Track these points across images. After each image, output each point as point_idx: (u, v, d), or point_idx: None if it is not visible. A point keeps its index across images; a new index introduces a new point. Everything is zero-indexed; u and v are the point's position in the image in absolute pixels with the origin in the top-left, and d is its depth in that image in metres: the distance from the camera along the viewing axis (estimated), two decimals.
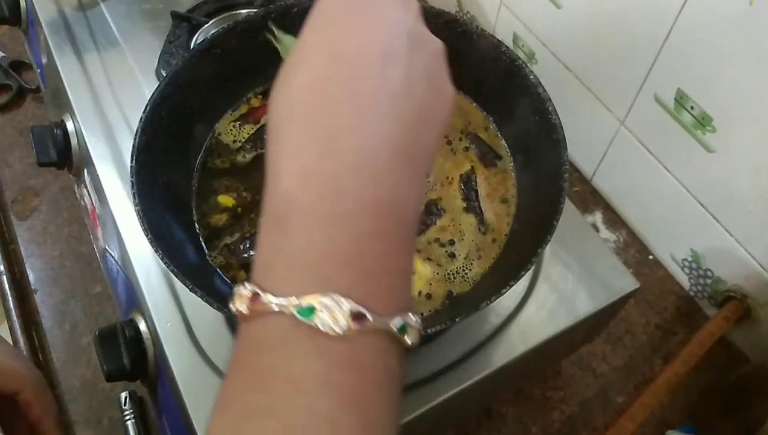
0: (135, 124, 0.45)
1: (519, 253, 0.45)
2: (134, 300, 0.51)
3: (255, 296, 0.24)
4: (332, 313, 0.23)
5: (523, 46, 0.75)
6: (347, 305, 0.24)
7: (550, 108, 0.46)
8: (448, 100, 0.30)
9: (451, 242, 0.48)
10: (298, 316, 0.23)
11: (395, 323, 0.25)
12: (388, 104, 0.27)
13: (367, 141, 0.26)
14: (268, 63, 0.54)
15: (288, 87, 0.28)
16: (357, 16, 0.28)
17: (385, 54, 0.27)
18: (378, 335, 0.24)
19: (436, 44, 0.30)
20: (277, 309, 0.24)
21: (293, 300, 0.24)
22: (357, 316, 0.24)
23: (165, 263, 0.39)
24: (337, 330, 0.23)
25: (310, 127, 0.26)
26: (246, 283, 0.25)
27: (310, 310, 0.23)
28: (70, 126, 0.62)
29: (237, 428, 0.23)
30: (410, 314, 0.26)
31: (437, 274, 0.46)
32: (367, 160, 0.26)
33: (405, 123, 0.27)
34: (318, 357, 0.23)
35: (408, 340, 0.26)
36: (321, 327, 0.23)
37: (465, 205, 0.49)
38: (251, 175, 0.51)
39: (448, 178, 0.50)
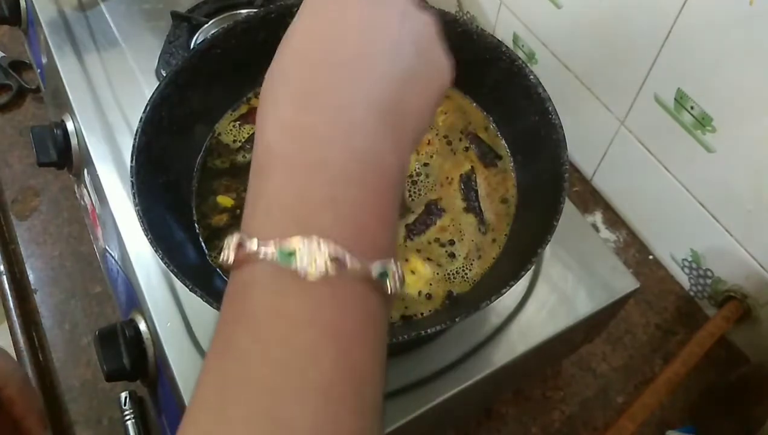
0: (135, 124, 0.45)
1: (519, 253, 0.45)
2: (134, 300, 0.51)
3: (241, 243, 0.25)
4: (312, 255, 0.24)
5: (523, 46, 0.75)
6: (325, 248, 0.24)
7: (550, 108, 0.46)
8: (440, 69, 0.31)
9: (451, 242, 0.48)
10: (279, 260, 0.24)
11: (375, 268, 0.25)
12: (370, 66, 0.28)
13: (344, 96, 0.27)
14: (269, 63, 0.55)
15: (277, 58, 0.29)
16: None
17: (370, 23, 0.29)
18: (358, 279, 0.25)
19: (427, 17, 0.32)
20: (261, 255, 0.24)
21: (275, 244, 0.24)
22: (336, 260, 0.24)
23: (165, 263, 0.39)
24: (316, 273, 0.24)
25: (290, 84, 0.28)
26: (235, 233, 0.26)
27: (291, 254, 0.24)
28: (70, 126, 0.62)
29: (223, 368, 0.25)
30: (392, 261, 0.26)
31: (437, 274, 0.46)
32: (342, 114, 0.27)
33: (386, 86, 0.28)
34: (301, 297, 0.24)
35: (389, 286, 0.26)
36: (300, 270, 0.24)
37: (465, 205, 0.49)
38: None
39: (448, 178, 0.50)
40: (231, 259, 0.26)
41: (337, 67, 0.28)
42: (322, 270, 0.24)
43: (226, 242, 0.26)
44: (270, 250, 0.24)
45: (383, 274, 0.26)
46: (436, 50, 0.32)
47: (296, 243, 0.24)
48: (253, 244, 0.25)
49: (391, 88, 0.28)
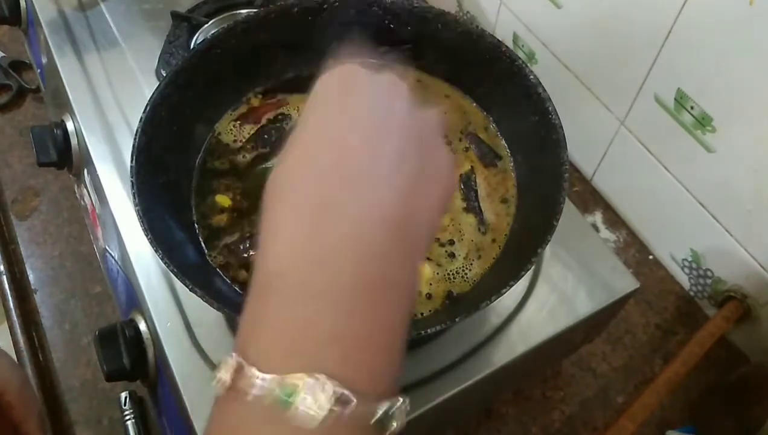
0: (135, 124, 0.45)
1: (519, 253, 0.45)
2: (134, 300, 0.51)
3: (239, 369, 0.24)
4: (315, 398, 0.23)
5: (523, 46, 0.75)
6: (331, 390, 0.23)
7: (550, 108, 0.46)
8: (445, 167, 0.30)
9: (451, 242, 0.48)
10: (280, 399, 0.23)
11: (380, 409, 0.24)
12: (379, 176, 0.27)
13: (354, 218, 0.26)
14: (268, 63, 0.55)
15: (283, 162, 0.28)
16: (350, 97, 0.29)
17: (376, 129, 0.28)
18: (361, 424, 0.24)
19: (430, 115, 0.31)
20: (259, 390, 0.23)
21: (276, 381, 0.23)
22: (341, 401, 0.23)
23: (165, 263, 0.39)
24: (319, 419, 0.22)
25: (299, 197, 0.27)
26: (232, 353, 0.25)
27: (292, 394, 0.23)
28: (70, 126, 0.62)
29: None
30: (399, 399, 0.25)
31: (437, 274, 0.46)
32: (352, 240, 0.26)
33: (396, 198, 0.27)
34: None
35: (394, 427, 0.25)
36: (302, 414, 0.22)
37: (465, 205, 0.49)
38: (251, 175, 0.51)
39: None
40: (227, 384, 0.24)
41: (345, 186, 0.27)
42: (325, 415, 0.22)
43: (222, 363, 0.24)
44: (270, 386, 0.23)
45: (389, 416, 0.24)
46: (440, 148, 0.31)
47: (299, 381, 0.23)
48: (252, 375, 0.23)
49: (400, 199, 0.27)
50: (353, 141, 0.28)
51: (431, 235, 0.30)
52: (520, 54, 0.71)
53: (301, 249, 0.26)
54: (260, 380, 0.23)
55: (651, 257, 0.70)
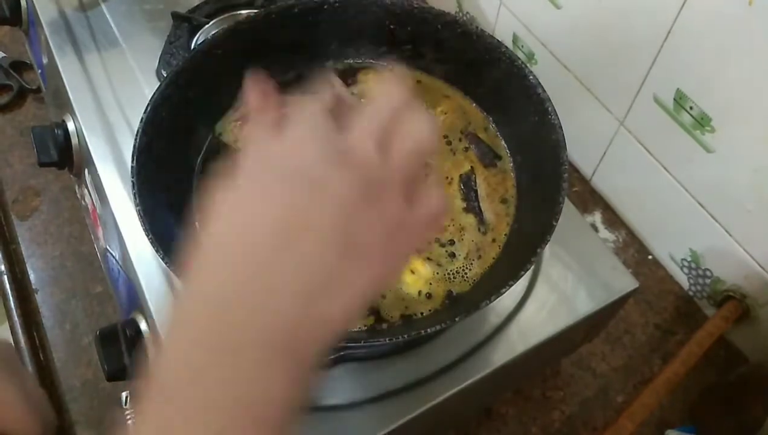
0: (136, 124, 0.45)
1: (519, 252, 0.45)
2: (135, 300, 0.51)
3: None
4: None
5: (522, 46, 0.75)
6: None
7: (549, 108, 0.46)
8: (377, 257, 0.26)
9: (451, 242, 0.48)
10: None
11: None
12: (272, 294, 0.24)
13: (233, 340, 0.24)
14: (269, 63, 0.55)
15: (206, 227, 0.27)
16: (267, 183, 0.26)
17: (277, 234, 0.25)
18: None
19: (391, 194, 0.27)
20: None
21: None
22: None
23: (166, 263, 0.40)
24: None
25: (187, 317, 0.25)
26: None
27: None
28: (70, 126, 0.62)
29: None
30: None
31: (437, 273, 0.47)
32: (228, 368, 0.24)
33: (288, 314, 0.24)
34: None
35: None
36: None
37: (465, 205, 0.49)
38: None
39: (447, 178, 0.51)
40: None
41: (231, 303, 0.24)
42: None
43: None
44: None
45: None
46: (386, 243, 0.27)
47: None
48: None
49: (294, 315, 0.24)
50: (249, 250, 0.25)
51: (340, 331, 0.26)
52: (520, 54, 0.71)
53: (182, 365, 0.24)
54: None
55: (650, 257, 0.71)
